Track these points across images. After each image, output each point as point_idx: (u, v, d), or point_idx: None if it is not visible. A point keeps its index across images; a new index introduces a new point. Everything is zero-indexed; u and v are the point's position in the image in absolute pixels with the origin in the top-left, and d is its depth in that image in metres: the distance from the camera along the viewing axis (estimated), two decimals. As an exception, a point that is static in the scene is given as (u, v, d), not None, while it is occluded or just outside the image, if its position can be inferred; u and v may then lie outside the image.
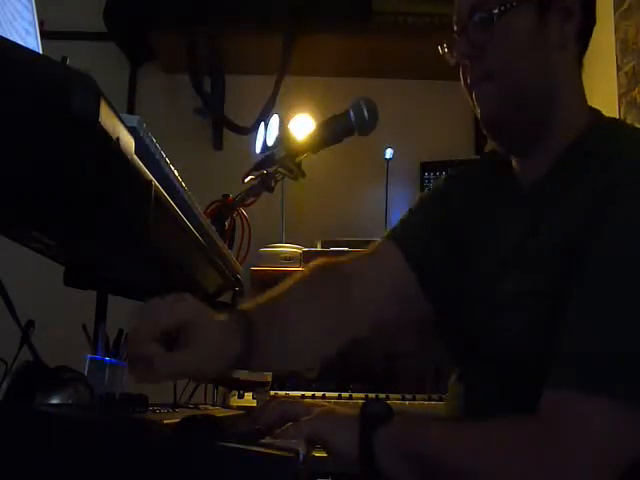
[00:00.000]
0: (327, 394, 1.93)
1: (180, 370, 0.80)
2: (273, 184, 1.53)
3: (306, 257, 2.23)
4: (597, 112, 1.03)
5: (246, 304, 0.99)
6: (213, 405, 1.72)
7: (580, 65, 1.02)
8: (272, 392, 1.89)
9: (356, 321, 1.09)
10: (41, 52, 0.82)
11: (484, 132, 1.04)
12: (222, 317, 0.89)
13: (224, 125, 2.78)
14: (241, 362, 0.91)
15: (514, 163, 1.06)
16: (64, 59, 0.85)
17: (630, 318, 0.82)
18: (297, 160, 1.49)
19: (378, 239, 1.16)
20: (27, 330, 0.86)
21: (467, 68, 1.01)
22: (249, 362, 0.92)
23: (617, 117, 1.91)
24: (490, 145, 1.10)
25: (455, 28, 1.02)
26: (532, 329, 0.90)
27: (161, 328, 0.78)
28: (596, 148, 0.94)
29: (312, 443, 0.88)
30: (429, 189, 1.21)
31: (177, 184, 0.79)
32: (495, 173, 1.10)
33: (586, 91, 1.02)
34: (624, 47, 2.14)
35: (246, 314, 0.93)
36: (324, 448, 0.89)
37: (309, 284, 1.09)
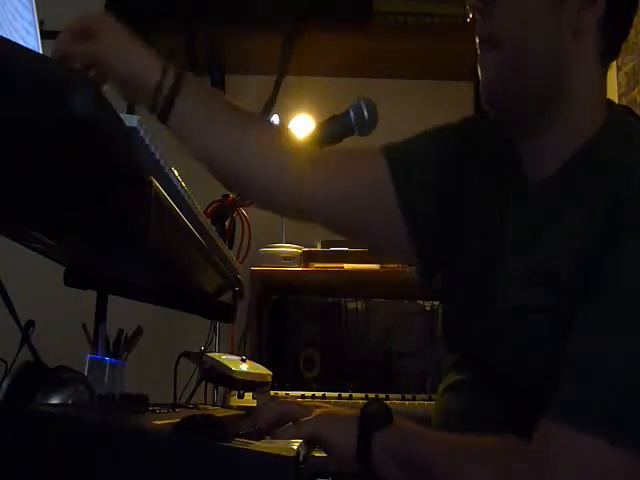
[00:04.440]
0: (327, 394, 1.93)
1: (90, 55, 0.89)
2: (273, 184, 1.52)
3: (306, 257, 2.23)
4: (612, 106, 0.97)
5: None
6: (213, 405, 1.72)
7: (603, 64, 0.96)
8: (272, 392, 1.89)
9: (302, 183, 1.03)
10: (41, 52, 0.82)
11: (483, 102, 0.97)
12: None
13: (224, 125, 2.77)
14: (161, 98, 0.94)
15: (522, 149, 0.99)
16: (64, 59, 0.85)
17: (636, 354, 0.79)
18: (297, 160, 1.49)
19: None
20: (27, 330, 0.86)
21: (478, 23, 0.94)
22: (172, 101, 0.94)
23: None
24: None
25: None
26: (532, 346, 0.88)
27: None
28: (615, 154, 0.90)
29: (312, 443, 0.88)
30: (440, 129, 1.10)
31: (177, 184, 0.79)
32: (501, 153, 1.02)
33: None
34: (624, 47, 2.13)
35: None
36: (323, 448, 0.90)
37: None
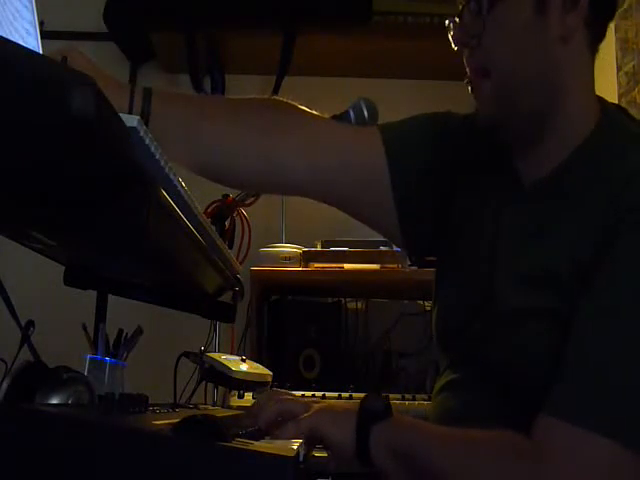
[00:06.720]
0: (327, 394, 1.93)
1: None
2: (273, 184, 1.52)
3: (306, 257, 2.23)
4: (605, 105, 0.97)
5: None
6: (213, 405, 1.72)
7: (592, 52, 0.95)
8: (272, 392, 1.89)
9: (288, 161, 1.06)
10: (41, 52, 0.82)
11: (480, 127, 0.99)
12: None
13: (224, 125, 2.77)
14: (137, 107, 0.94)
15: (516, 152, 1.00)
16: (64, 59, 0.85)
17: (635, 351, 0.79)
18: (297, 160, 1.49)
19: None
20: (27, 330, 0.86)
21: (466, 55, 0.96)
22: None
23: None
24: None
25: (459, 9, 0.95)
26: (530, 346, 0.88)
27: None
28: (611, 156, 0.90)
29: (312, 442, 0.89)
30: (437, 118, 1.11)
31: (177, 184, 0.79)
32: (496, 153, 1.03)
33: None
34: (624, 47, 2.14)
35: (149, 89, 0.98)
36: (322, 442, 0.90)
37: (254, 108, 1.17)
